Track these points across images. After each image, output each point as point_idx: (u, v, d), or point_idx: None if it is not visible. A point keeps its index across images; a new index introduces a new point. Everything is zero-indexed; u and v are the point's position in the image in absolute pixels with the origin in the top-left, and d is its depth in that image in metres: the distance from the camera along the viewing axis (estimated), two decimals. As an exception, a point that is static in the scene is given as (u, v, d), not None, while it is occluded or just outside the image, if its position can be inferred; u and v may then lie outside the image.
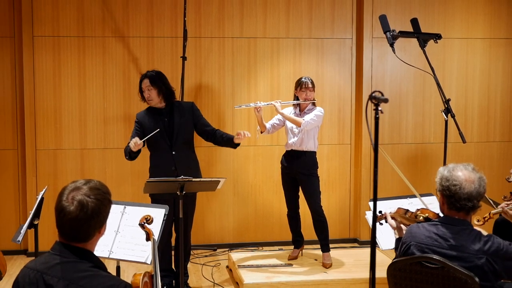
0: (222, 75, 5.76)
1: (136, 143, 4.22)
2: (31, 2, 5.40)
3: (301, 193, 4.92)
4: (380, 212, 3.22)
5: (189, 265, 4.92)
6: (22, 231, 3.46)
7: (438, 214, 2.86)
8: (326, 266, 4.82)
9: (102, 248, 3.39)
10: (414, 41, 4.60)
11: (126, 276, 4.67)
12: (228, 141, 4.51)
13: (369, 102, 2.52)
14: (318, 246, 4.97)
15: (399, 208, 3.17)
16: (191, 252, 5.08)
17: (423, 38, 4.34)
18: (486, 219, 3.60)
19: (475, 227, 2.70)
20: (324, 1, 5.86)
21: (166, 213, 3.48)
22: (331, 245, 4.99)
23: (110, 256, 3.41)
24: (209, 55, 5.73)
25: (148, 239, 3.05)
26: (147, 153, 4.55)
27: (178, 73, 5.43)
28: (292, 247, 5.12)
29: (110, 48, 5.58)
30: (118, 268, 3.60)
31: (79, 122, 5.58)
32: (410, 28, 4.41)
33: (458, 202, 2.62)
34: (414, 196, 3.75)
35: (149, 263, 3.33)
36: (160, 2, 5.62)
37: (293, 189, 4.93)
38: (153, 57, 5.64)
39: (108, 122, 5.61)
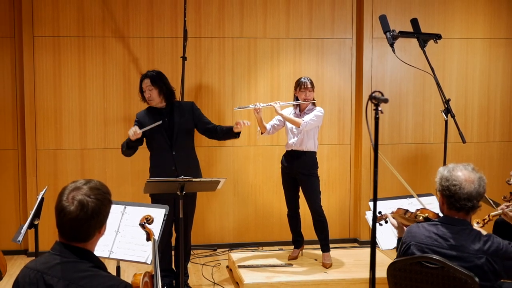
0: (222, 75, 5.77)
1: (135, 131, 4.22)
2: (31, 2, 5.40)
3: (301, 193, 4.92)
4: (380, 212, 3.22)
5: (189, 265, 4.92)
6: (23, 231, 3.46)
7: (437, 214, 2.87)
8: (326, 266, 4.82)
9: (102, 248, 3.39)
10: (414, 41, 4.60)
11: (127, 276, 4.67)
12: (228, 132, 4.50)
13: (369, 102, 2.52)
14: (318, 246, 4.97)
15: (399, 208, 3.17)
16: (191, 252, 5.08)
17: (423, 38, 4.34)
18: (485, 221, 3.60)
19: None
20: (324, 1, 5.86)
21: (166, 213, 3.48)
22: (331, 245, 5.00)
23: (110, 256, 3.41)
24: (209, 55, 5.73)
25: (148, 239, 3.05)
26: (147, 153, 4.55)
27: (178, 73, 5.44)
28: (292, 247, 5.12)
29: (110, 48, 5.58)
30: (118, 268, 3.60)
31: (79, 122, 5.58)
32: (410, 28, 4.41)
33: (458, 202, 2.62)
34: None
35: (149, 263, 3.33)
36: (160, 2, 5.62)
37: (293, 189, 4.94)
38: (153, 57, 5.64)
39: (108, 122, 5.61)
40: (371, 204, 3.44)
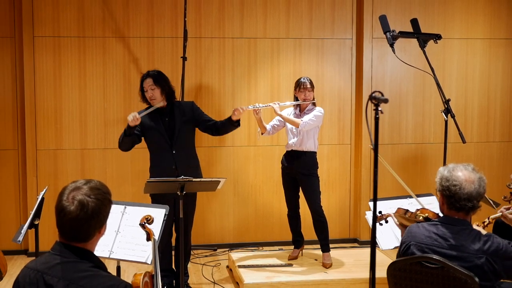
0: (222, 75, 5.77)
1: (135, 116, 4.21)
2: (31, 3, 5.41)
3: (301, 193, 4.93)
4: (380, 212, 3.22)
5: (189, 265, 4.92)
6: (23, 231, 3.46)
7: (438, 214, 2.87)
8: (326, 266, 4.82)
9: (102, 248, 3.39)
10: (414, 42, 4.60)
11: (127, 276, 4.68)
12: (227, 122, 4.48)
13: (369, 102, 2.52)
14: (318, 246, 4.97)
15: (399, 208, 3.18)
16: (191, 252, 5.08)
17: (423, 39, 4.34)
18: (485, 223, 3.60)
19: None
20: (324, 1, 5.86)
21: (167, 213, 3.48)
22: (331, 245, 5.00)
23: (110, 256, 3.41)
24: (209, 56, 5.73)
25: (148, 239, 3.05)
26: (147, 153, 4.55)
27: (178, 74, 5.44)
28: (292, 247, 5.12)
29: (111, 49, 5.58)
30: (118, 268, 3.60)
31: (80, 122, 5.58)
32: (410, 29, 4.41)
33: (458, 202, 2.62)
34: (414, 196, 3.77)
35: (149, 263, 3.33)
36: (160, 2, 5.62)
37: (293, 189, 4.94)
38: (153, 57, 5.64)
39: (109, 122, 5.61)
40: (371, 204, 3.45)
